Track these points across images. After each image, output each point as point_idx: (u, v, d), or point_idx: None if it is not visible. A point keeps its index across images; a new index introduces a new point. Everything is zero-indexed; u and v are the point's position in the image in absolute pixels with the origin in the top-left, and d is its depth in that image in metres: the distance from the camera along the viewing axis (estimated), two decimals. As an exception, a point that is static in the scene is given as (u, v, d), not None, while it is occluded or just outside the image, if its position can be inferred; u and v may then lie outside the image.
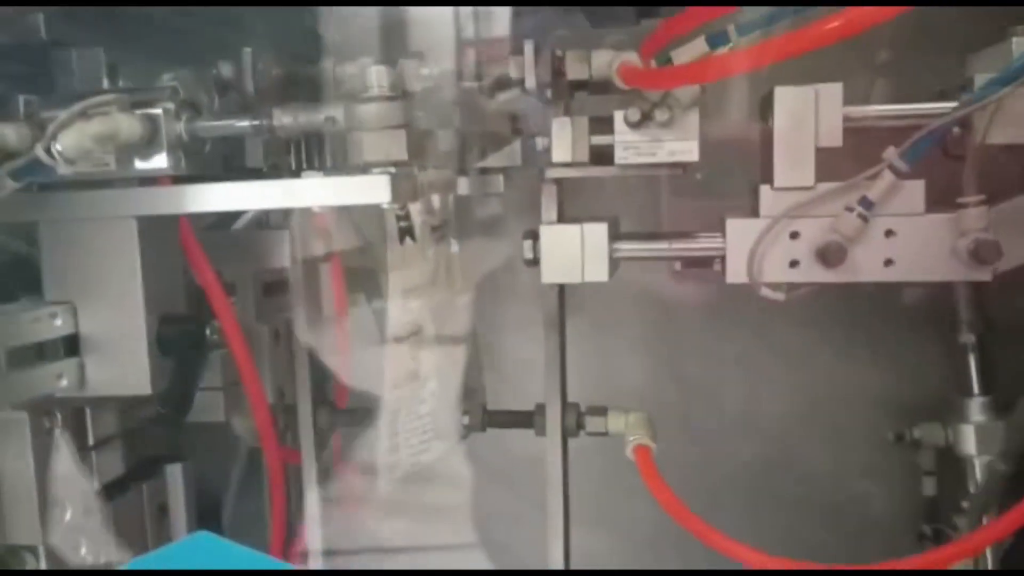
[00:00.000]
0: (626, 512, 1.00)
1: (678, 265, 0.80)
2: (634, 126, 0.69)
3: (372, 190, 0.62)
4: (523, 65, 0.69)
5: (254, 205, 0.64)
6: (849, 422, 1.04)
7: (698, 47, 0.69)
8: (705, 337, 1.05)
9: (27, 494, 0.71)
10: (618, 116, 0.70)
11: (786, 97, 0.69)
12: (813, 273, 0.71)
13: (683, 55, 0.69)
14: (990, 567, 0.84)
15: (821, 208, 0.70)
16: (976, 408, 0.88)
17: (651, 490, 0.73)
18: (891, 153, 0.66)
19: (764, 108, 0.79)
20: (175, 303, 0.72)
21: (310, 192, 0.64)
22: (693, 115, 0.69)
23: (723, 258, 0.74)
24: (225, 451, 1.02)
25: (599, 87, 0.73)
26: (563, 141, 0.72)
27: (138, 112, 0.62)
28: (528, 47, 0.69)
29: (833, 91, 0.69)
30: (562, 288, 0.81)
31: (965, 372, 0.89)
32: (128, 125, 0.60)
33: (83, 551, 0.75)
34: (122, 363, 0.69)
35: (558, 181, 0.75)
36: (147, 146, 0.63)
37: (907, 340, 0.99)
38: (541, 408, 0.83)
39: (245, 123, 0.64)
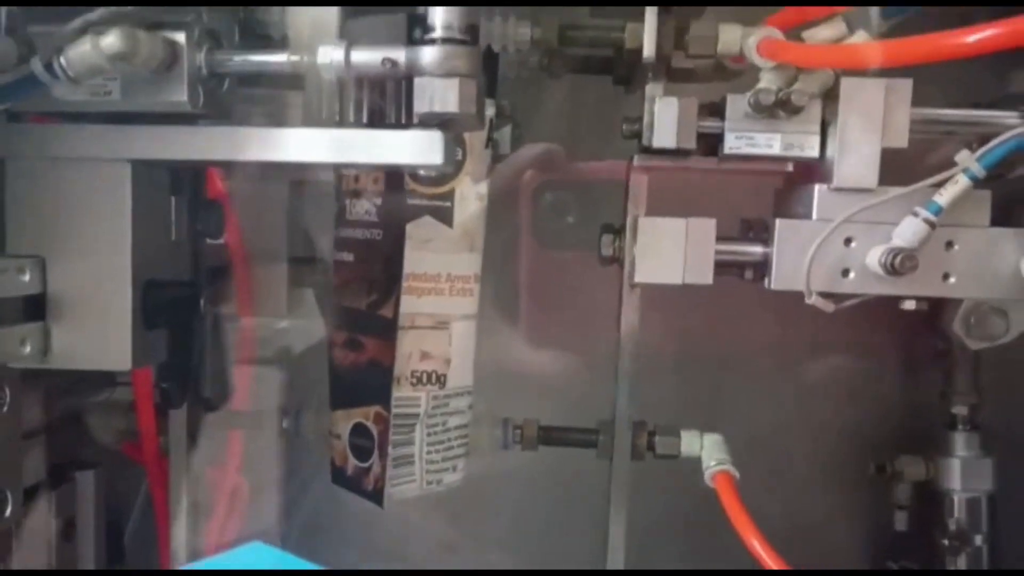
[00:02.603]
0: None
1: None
2: (761, 110, 0.63)
3: (421, 149, 0.55)
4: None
5: (289, 156, 0.55)
6: (822, 455, 0.98)
7: (837, 28, 0.63)
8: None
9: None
10: (732, 99, 0.65)
11: (854, 89, 0.64)
12: (867, 284, 0.67)
13: (821, 33, 0.63)
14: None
15: (878, 214, 0.65)
16: (962, 443, 0.85)
17: (735, 525, 0.64)
18: (965, 157, 0.63)
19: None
20: (162, 269, 0.62)
21: (351, 145, 0.55)
22: (817, 106, 0.65)
23: (760, 264, 0.70)
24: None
25: (682, 74, 0.68)
26: (667, 124, 0.65)
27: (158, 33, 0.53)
28: (651, 14, 0.62)
29: (903, 87, 0.64)
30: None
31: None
32: (149, 44, 0.51)
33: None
34: (99, 332, 0.58)
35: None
36: (163, 75, 0.54)
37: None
38: (606, 425, 0.73)
39: (281, 58, 0.55)
